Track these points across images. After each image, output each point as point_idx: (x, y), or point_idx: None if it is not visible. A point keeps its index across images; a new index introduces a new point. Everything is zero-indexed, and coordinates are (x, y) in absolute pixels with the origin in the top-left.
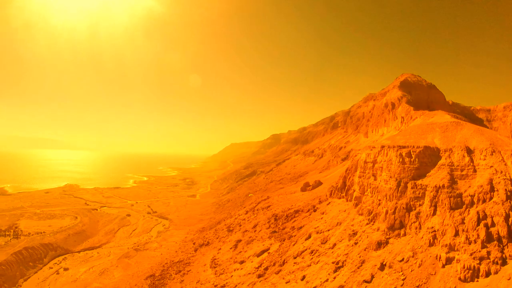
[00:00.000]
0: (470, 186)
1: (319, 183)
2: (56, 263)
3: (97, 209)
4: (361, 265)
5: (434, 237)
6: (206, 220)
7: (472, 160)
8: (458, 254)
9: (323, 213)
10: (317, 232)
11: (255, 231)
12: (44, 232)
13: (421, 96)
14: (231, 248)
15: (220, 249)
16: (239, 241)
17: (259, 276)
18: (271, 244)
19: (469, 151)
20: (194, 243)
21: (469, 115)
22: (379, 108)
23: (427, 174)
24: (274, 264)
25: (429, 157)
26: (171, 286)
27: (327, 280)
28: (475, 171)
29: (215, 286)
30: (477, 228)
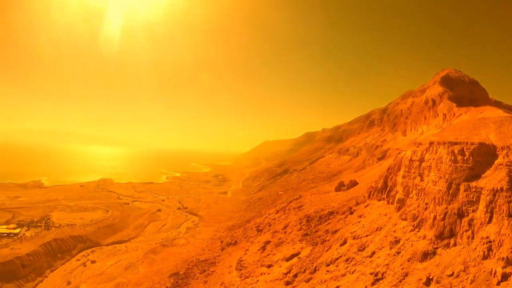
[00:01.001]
0: None
1: (354, 183)
2: (84, 256)
3: (128, 203)
4: (404, 279)
5: (489, 249)
6: (236, 218)
7: None
8: None
9: (360, 216)
10: (354, 238)
11: (285, 232)
12: (74, 224)
13: (463, 92)
14: (259, 250)
15: (247, 250)
16: (268, 242)
17: (287, 283)
18: (302, 248)
19: None
20: (221, 242)
21: None
22: (419, 105)
23: (482, 175)
24: (304, 271)
25: (484, 156)
26: (193, 286)
27: None
28: None
29: None
30: None
